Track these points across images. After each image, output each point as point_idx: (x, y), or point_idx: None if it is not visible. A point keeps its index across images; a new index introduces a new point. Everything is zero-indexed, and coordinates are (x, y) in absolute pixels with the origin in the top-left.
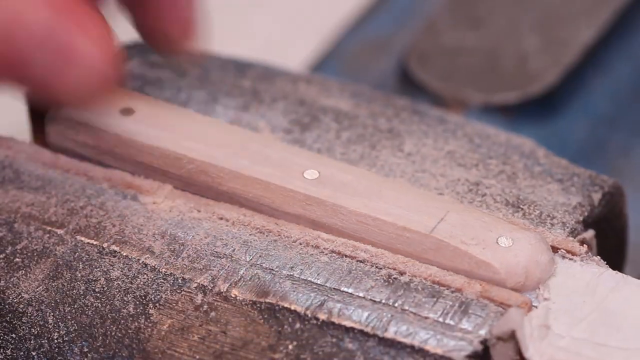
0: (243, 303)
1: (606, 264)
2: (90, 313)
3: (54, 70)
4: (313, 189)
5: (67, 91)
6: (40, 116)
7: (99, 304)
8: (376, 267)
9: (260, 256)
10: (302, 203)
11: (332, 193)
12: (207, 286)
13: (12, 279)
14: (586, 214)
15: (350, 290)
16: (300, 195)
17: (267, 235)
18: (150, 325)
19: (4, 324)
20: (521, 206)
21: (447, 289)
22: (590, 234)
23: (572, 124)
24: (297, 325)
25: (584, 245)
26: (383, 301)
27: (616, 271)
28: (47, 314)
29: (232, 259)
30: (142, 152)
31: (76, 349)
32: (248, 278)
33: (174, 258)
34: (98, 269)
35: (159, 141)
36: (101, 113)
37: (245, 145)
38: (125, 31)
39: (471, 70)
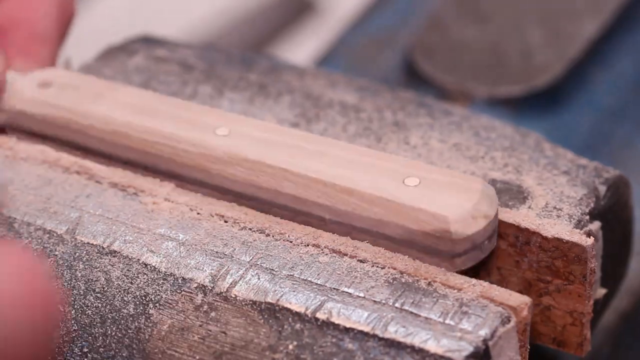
0: (243, 303)
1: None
2: (90, 313)
3: None
4: (224, 143)
5: None
6: None
7: (99, 304)
8: (376, 266)
9: (260, 256)
10: (211, 158)
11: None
12: (207, 286)
13: None
14: (592, 205)
15: (350, 290)
16: (209, 150)
17: (267, 235)
18: (150, 325)
19: None
20: (527, 198)
21: (448, 289)
22: (596, 225)
23: (576, 117)
24: (297, 326)
25: (590, 237)
26: (383, 301)
27: None
28: None
29: (232, 258)
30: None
31: (76, 349)
32: (248, 278)
33: (174, 258)
34: (98, 269)
35: (72, 109)
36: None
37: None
38: (130, 25)
39: (476, 64)
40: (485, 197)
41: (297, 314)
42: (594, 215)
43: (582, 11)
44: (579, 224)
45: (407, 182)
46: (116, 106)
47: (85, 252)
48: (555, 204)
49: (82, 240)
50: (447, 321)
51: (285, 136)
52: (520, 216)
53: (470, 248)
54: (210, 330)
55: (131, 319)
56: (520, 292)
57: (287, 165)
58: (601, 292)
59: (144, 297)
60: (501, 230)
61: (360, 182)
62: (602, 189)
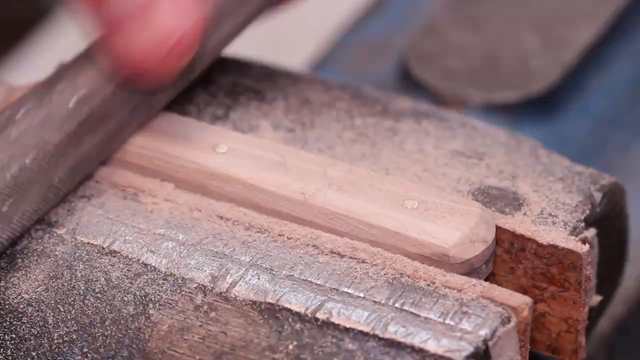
0: (243, 303)
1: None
2: (90, 313)
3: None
4: (222, 161)
5: (137, 49)
6: None
7: (99, 304)
8: (376, 267)
9: (260, 256)
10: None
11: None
12: (207, 286)
13: (12, 279)
14: (588, 212)
15: (350, 291)
16: (207, 167)
17: (267, 235)
18: (150, 325)
19: (4, 324)
20: (523, 205)
21: (448, 289)
22: (591, 232)
23: (572, 123)
24: (297, 326)
25: (586, 244)
26: (383, 301)
27: None
28: (47, 314)
29: (232, 258)
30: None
31: (76, 349)
32: (248, 278)
33: (174, 258)
34: (98, 269)
35: None
36: None
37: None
38: None
39: (471, 70)
40: (484, 221)
41: (297, 314)
42: (589, 222)
43: (578, 17)
44: (574, 231)
45: (406, 204)
46: None
47: (85, 252)
48: (551, 211)
49: (82, 240)
50: (447, 321)
51: (284, 155)
52: (516, 223)
53: (468, 272)
54: (210, 331)
55: (131, 319)
56: None
57: (285, 186)
58: (596, 299)
59: (143, 297)
60: (497, 236)
61: (359, 204)
62: (598, 195)
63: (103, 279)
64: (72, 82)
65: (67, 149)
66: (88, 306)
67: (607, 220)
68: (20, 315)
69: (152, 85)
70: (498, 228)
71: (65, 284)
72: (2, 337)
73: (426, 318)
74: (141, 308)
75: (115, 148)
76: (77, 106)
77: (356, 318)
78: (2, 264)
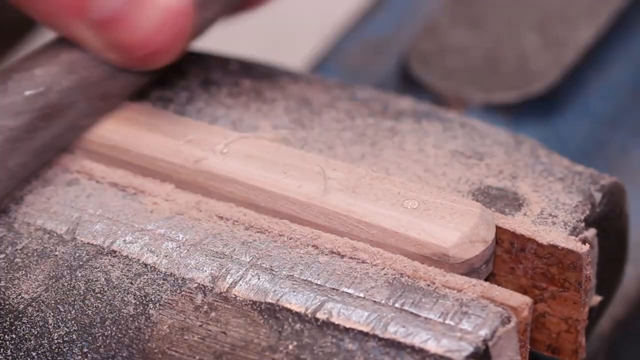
0: (243, 303)
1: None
2: (90, 313)
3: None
4: (222, 162)
5: (137, 35)
6: None
7: (99, 304)
8: (376, 267)
9: (260, 256)
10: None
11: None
12: (207, 286)
13: (12, 279)
14: (588, 212)
15: (350, 291)
16: (207, 168)
17: (267, 235)
18: (150, 325)
19: (4, 324)
20: (523, 205)
21: (448, 289)
22: (591, 232)
23: (572, 124)
24: (297, 326)
25: (586, 244)
26: (383, 301)
27: None
28: (47, 314)
29: (232, 259)
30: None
31: (76, 349)
32: (248, 278)
33: (174, 258)
34: (98, 269)
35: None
36: None
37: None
38: None
39: (471, 70)
40: (484, 221)
41: (297, 314)
42: (589, 222)
43: (578, 17)
44: (574, 231)
45: (406, 204)
46: (114, 120)
47: (85, 252)
48: (551, 211)
49: (82, 241)
50: (447, 321)
51: (284, 155)
52: (516, 223)
53: (468, 272)
54: (210, 331)
55: (131, 319)
56: None
57: (284, 186)
58: (596, 299)
59: (143, 297)
60: (497, 236)
61: (359, 204)
62: (598, 195)
63: (103, 279)
64: (29, 72)
65: (22, 135)
66: (88, 306)
67: (607, 220)
68: (20, 315)
69: (160, 62)
70: (498, 228)
71: (66, 284)
72: (2, 337)
73: (426, 318)
74: (141, 308)
75: (74, 137)
76: (32, 96)
77: (356, 318)
78: (2, 264)
